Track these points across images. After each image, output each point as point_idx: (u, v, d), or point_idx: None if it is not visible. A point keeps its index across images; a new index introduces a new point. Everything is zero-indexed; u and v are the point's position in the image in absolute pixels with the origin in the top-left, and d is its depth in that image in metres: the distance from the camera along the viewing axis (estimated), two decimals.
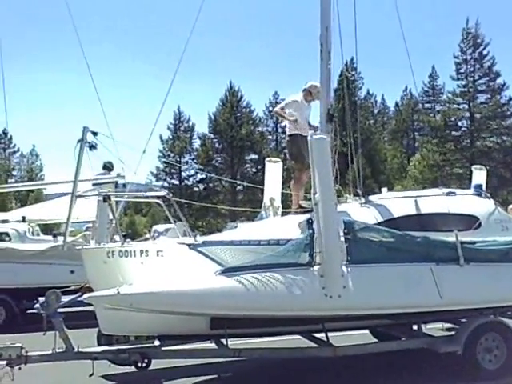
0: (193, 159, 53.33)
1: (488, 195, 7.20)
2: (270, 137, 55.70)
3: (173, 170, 53.04)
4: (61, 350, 5.77)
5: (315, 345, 6.35)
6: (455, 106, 50.16)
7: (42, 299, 5.99)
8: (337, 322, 6.17)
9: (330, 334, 6.18)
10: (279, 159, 9.06)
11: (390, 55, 66.46)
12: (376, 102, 61.00)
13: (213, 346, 6.25)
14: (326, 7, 7.60)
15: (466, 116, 49.86)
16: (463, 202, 6.88)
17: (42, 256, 10.21)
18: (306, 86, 8.13)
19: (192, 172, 53.16)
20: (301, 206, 7.13)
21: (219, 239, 6.32)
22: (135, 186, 7.64)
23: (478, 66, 48.99)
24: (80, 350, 5.83)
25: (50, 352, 5.75)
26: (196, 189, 52.98)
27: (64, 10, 11.51)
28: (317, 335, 6.46)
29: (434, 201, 6.83)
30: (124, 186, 8.54)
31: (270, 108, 55.32)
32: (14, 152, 52.76)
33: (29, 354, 5.67)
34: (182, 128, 53.84)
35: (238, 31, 77.49)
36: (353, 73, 46.95)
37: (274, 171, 8.51)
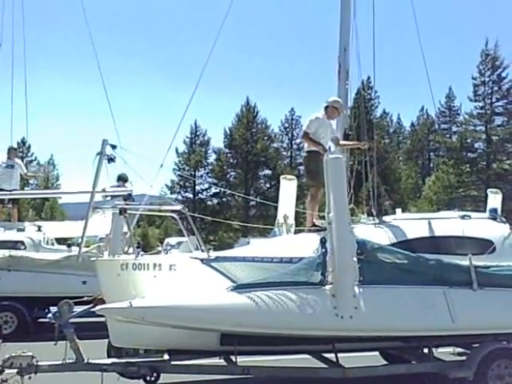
0: (207, 173, 53.57)
1: (503, 219, 7.16)
2: (285, 153, 55.77)
3: (187, 184, 53.23)
4: (71, 361, 5.78)
5: (325, 365, 6.30)
6: (472, 127, 49.88)
7: (54, 309, 6.03)
8: (347, 343, 6.14)
9: (339, 355, 6.14)
10: (294, 177, 9.10)
11: (406, 75, 66.57)
12: (392, 121, 60.90)
13: (222, 362, 6.24)
14: (344, 28, 7.70)
15: (482, 138, 49.52)
16: (478, 225, 6.84)
17: (55, 265, 10.28)
18: (328, 102, 7.73)
19: (206, 186, 53.40)
20: (314, 225, 7.13)
21: (232, 255, 6.35)
22: (150, 198, 7.71)
23: (496, 88, 48.76)
24: (90, 361, 5.84)
25: (60, 362, 5.77)
26: (209, 203, 53.11)
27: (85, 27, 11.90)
28: (327, 355, 6.42)
29: (449, 224, 6.80)
30: (133, 199, 8.64)
31: (286, 124, 55.54)
32: (32, 161, 53.39)
33: (39, 363, 5.69)
34: (197, 142, 54.15)
35: (256, 47, 78.21)
36: (369, 92, 47.18)
37: (288, 188, 8.55)
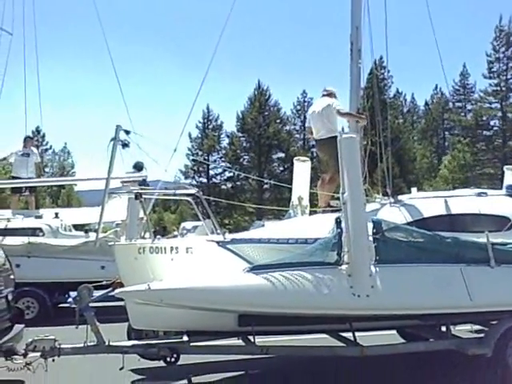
0: (221, 157, 53.63)
1: None
2: (298, 135, 55.59)
3: (201, 168, 53.42)
4: (92, 344, 5.87)
5: (343, 344, 6.35)
6: (487, 105, 49.30)
7: (74, 293, 6.12)
8: (364, 322, 6.16)
9: (357, 334, 6.18)
10: (307, 158, 9.07)
11: (420, 53, 65.52)
12: (405, 100, 60.34)
13: (240, 342, 6.31)
14: (356, 6, 7.60)
15: (498, 115, 48.94)
16: (494, 202, 6.79)
17: (73, 251, 10.46)
18: (328, 90, 8.07)
19: (220, 170, 53.48)
20: (330, 205, 7.13)
21: (248, 237, 6.38)
22: (165, 184, 7.76)
23: (510, 64, 48.01)
24: (111, 343, 5.92)
25: (81, 345, 5.87)
26: (224, 187, 53.27)
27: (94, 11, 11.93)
28: (344, 335, 6.46)
29: (465, 201, 6.76)
30: (148, 184, 8.71)
31: (298, 107, 55.25)
32: (47, 149, 53.91)
33: (61, 346, 5.79)
34: (210, 126, 54.16)
35: (267, 30, 77.55)
36: (382, 71, 46.66)
37: (302, 170, 8.53)
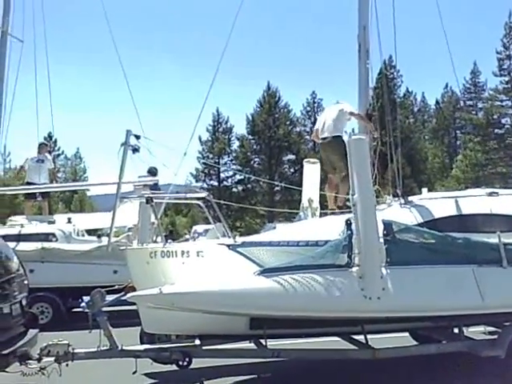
0: (231, 160, 53.65)
1: None
2: (308, 137, 55.41)
3: (212, 171, 53.44)
4: (105, 348, 5.91)
5: (355, 347, 6.33)
6: (498, 103, 48.78)
7: (87, 298, 6.17)
8: (376, 324, 6.14)
9: (368, 336, 6.16)
10: (317, 160, 9.07)
11: (429, 52, 65.13)
12: (416, 100, 59.83)
13: (252, 346, 6.32)
14: (363, 6, 7.62)
15: (509, 113, 48.44)
16: (506, 202, 6.74)
17: (86, 256, 10.52)
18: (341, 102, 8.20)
19: (230, 173, 53.48)
20: (347, 206, 7.14)
21: (258, 240, 6.39)
22: (176, 187, 7.80)
23: None
24: (124, 348, 5.97)
25: (95, 349, 5.91)
26: (234, 190, 53.27)
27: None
28: (356, 337, 6.44)
29: (476, 201, 6.72)
30: (159, 188, 8.74)
31: (308, 108, 55.16)
32: (59, 155, 54.27)
33: (75, 351, 5.84)
34: (220, 129, 54.20)
35: (276, 31, 77.54)
36: (391, 71, 46.42)
37: (312, 172, 8.53)
